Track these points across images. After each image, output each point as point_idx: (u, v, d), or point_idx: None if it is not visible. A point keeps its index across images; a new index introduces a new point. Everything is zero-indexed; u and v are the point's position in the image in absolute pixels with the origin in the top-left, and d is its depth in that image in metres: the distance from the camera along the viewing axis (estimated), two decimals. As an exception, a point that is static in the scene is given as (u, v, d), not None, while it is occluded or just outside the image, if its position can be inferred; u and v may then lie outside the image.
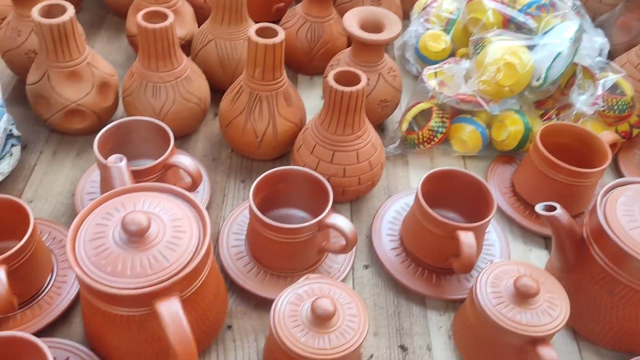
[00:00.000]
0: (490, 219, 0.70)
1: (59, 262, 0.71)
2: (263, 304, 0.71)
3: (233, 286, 0.73)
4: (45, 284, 0.68)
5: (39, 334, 0.64)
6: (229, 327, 0.69)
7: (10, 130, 0.80)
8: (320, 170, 0.77)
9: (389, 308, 0.73)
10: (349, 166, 0.77)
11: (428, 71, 0.92)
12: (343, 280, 0.74)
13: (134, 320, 0.57)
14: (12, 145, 0.79)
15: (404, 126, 0.91)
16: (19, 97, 0.92)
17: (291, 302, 0.60)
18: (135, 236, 0.56)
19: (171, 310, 0.53)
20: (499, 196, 0.86)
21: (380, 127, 0.97)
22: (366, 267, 0.77)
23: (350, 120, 0.75)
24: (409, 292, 0.74)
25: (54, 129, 0.88)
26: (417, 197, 0.72)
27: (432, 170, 0.74)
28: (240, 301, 0.72)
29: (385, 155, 0.90)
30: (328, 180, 0.77)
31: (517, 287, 0.61)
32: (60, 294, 0.68)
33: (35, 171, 0.83)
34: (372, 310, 0.72)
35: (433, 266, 0.75)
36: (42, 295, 0.67)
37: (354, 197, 0.81)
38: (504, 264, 0.65)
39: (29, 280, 0.65)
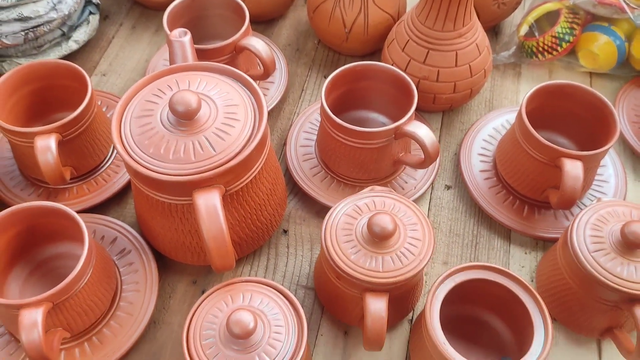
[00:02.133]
0: (607, 149, 0.57)
1: (120, 139, 0.68)
2: (325, 212, 0.64)
3: (295, 189, 0.67)
4: (105, 160, 0.66)
5: (92, 210, 0.63)
6: (285, 231, 0.64)
7: (89, -3, 0.76)
8: (410, 71, 0.67)
9: (466, 236, 0.63)
10: (445, 69, 0.66)
11: (563, -36, 0.75)
12: (418, 200, 0.65)
13: (175, 209, 0.52)
14: (90, 13, 0.76)
15: (523, 30, 0.76)
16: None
17: (348, 213, 0.53)
18: (183, 118, 0.50)
19: (209, 204, 0.48)
20: (626, 125, 0.71)
21: (493, 30, 0.83)
22: (448, 187, 0.67)
23: (453, 12, 0.63)
24: (493, 222, 0.64)
25: (136, 1, 0.83)
26: (519, 113, 0.60)
27: (545, 83, 0.61)
28: (300, 206, 0.66)
29: (495, 63, 0.77)
30: (417, 83, 0.67)
31: (624, 233, 0.49)
32: (118, 172, 0.66)
33: (112, 44, 0.79)
34: (446, 236, 0.63)
35: (527, 197, 0.63)
36: (100, 171, 0.65)
37: (446, 106, 0.70)
38: (614, 203, 0.53)
39: (85, 153, 0.62)
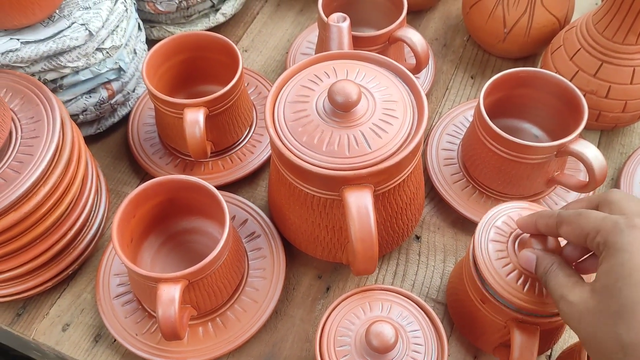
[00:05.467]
0: None
1: (258, 119, 0.66)
2: (462, 224, 0.60)
3: (432, 193, 0.63)
4: (241, 139, 0.65)
5: (225, 187, 0.62)
6: (418, 237, 0.60)
7: (240, -30, 0.75)
8: (577, 83, 0.61)
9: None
10: (617, 85, 0.59)
11: None
12: (567, 224, 0.60)
13: (318, 202, 0.50)
14: (240, -13, 0.75)
15: None
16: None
17: (500, 227, 0.48)
18: (341, 109, 0.47)
19: (360, 203, 0.45)
20: None
21: (666, 46, 0.75)
22: (601, 215, 0.61)
23: (639, 24, 0.56)
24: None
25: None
26: None
27: None
28: (436, 213, 0.62)
29: (665, 83, 0.69)
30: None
31: None
32: (253, 152, 0.64)
33: (256, 20, 0.78)
34: (595, 269, 0.58)
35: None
36: (236, 149, 0.64)
37: (610, 126, 0.63)
38: None
39: (226, 130, 0.61)
